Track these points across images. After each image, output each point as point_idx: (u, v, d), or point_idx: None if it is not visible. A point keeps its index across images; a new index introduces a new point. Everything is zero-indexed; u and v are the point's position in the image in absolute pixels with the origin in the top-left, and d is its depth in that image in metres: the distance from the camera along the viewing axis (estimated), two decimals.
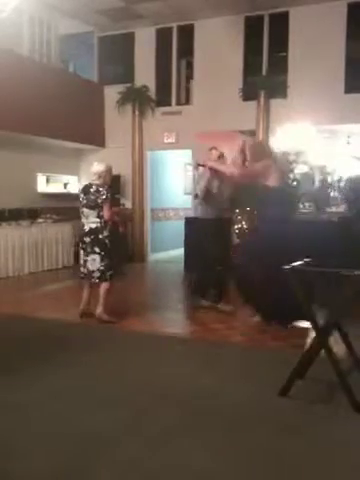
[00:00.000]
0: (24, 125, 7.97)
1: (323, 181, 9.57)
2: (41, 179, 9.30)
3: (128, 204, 9.82)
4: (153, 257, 10.09)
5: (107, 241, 5.03)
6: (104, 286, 5.08)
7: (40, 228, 8.54)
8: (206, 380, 3.54)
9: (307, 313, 3.20)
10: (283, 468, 2.45)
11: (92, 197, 5.01)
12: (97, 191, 5.01)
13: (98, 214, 5.01)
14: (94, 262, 5.04)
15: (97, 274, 5.05)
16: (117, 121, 9.79)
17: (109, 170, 5.19)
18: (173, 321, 5.35)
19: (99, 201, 4.98)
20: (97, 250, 5.02)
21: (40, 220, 8.73)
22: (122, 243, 8.93)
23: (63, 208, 9.20)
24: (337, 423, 2.92)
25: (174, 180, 10.79)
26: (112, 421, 2.90)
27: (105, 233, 5.02)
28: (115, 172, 9.63)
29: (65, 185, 9.80)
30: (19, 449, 2.59)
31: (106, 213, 4.99)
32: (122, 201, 9.65)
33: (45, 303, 6.18)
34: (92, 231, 5.04)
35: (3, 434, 2.74)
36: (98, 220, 5.02)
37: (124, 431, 2.79)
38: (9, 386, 3.38)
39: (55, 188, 9.59)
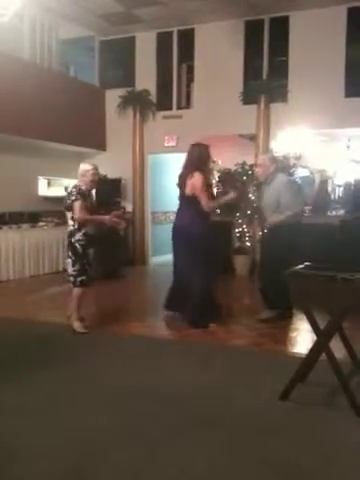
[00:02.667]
0: (25, 129, 8.00)
1: (322, 184, 9.58)
2: (42, 182, 9.32)
3: (129, 207, 9.84)
4: (154, 260, 10.10)
5: (78, 245, 4.76)
6: (74, 292, 4.87)
7: (41, 231, 8.56)
8: (206, 384, 3.55)
9: (307, 317, 3.22)
10: (284, 472, 2.46)
11: (66, 199, 4.86)
12: (70, 192, 4.85)
13: (72, 216, 4.81)
14: (68, 266, 4.90)
15: (71, 279, 4.88)
16: (118, 125, 9.82)
17: (89, 170, 4.83)
18: (173, 324, 5.32)
19: (69, 202, 4.78)
20: (70, 254, 4.84)
21: (41, 223, 8.74)
22: (122, 246, 8.97)
23: (64, 212, 9.19)
24: (339, 426, 2.92)
25: (175, 183, 10.77)
26: (112, 425, 2.91)
27: (77, 237, 4.76)
28: (116, 175, 9.81)
29: (66, 188, 9.78)
30: (20, 453, 2.59)
31: (77, 214, 4.71)
32: (123, 204, 9.66)
33: (46, 306, 6.19)
34: (68, 234, 4.89)
35: (3, 438, 2.74)
36: (72, 223, 4.82)
37: (124, 435, 2.79)
38: (9, 389, 3.39)
39: (56, 191, 9.58)
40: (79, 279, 4.81)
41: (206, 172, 5.21)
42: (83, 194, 4.72)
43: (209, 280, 5.17)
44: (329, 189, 9.69)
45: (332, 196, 9.66)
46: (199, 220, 5.07)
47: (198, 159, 5.13)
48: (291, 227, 5.13)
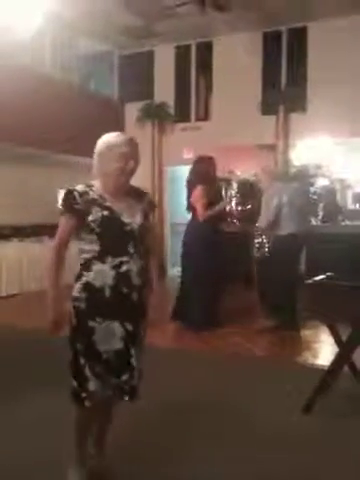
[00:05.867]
0: (45, 142, 8.10)
1: (331, 191, 9.41)
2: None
3: None
4: (173, 272, 10.08)
5: (73, 311, 2.40)
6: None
7: None
8: (225, 396, 3.50)
9: (330, 328, 3.17)
10: None
11: None
12: None
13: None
14: None
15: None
16: (137, 137, 9.75)
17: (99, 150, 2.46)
18: (190, 334, 5.26)
19: None
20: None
21: None
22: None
23: None
24: None
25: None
26: (123, 434, 2.87)
27: (73, 293, 2.44)
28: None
29: None
30: (31, 460, 2.59)
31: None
32: None
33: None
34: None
35: (11, 451, 2.74)
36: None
37: (134, 445, 2.77)
38: (26, 401, 3.40)
39: None
40: (72, 389, 2.35)
41: (210, 185, 5.42)
42: (69, 201, 2.41)
43: (208, 290, 5.33)
44: (350, 198, 9.52)
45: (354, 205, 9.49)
46: (200, 231, 5.31)
47: (204, 173, 5.43)
48: (288, 238, 5.24)
